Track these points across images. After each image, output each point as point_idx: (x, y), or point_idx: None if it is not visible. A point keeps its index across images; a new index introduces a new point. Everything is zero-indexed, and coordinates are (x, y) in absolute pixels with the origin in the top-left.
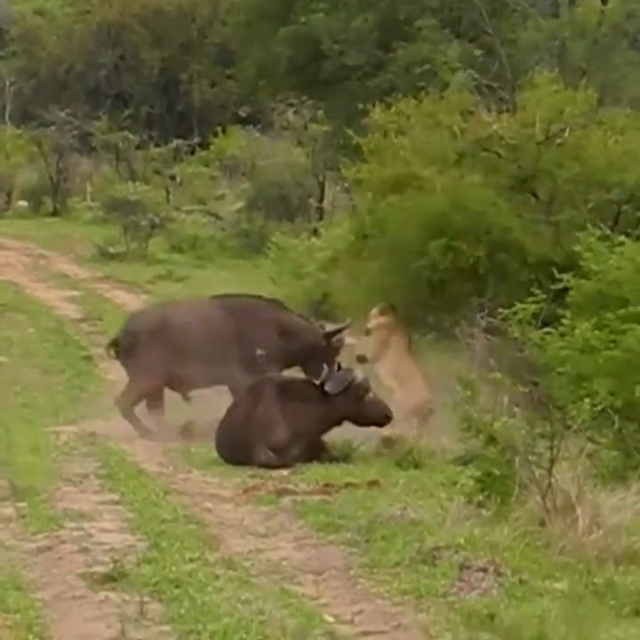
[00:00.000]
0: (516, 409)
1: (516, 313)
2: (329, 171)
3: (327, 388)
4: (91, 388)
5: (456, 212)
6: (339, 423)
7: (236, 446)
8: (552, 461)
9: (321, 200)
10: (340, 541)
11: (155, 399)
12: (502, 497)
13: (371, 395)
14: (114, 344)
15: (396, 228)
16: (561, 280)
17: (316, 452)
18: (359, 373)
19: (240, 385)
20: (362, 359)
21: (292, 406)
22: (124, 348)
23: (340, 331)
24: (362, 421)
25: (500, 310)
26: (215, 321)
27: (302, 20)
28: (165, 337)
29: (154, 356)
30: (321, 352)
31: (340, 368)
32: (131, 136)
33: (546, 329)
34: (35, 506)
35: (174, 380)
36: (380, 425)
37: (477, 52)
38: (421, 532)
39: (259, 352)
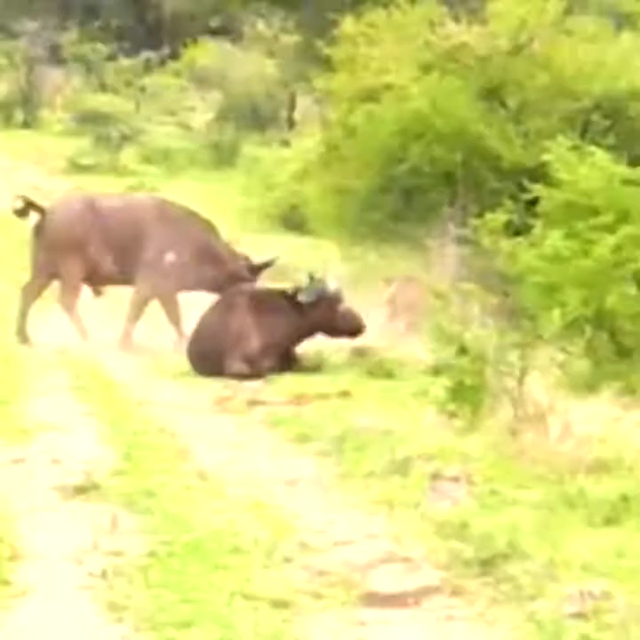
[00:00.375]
0: (487, 319)
1: (487, 223)
2: (300, 82)
3: (300, 297)
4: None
5: (434, 115)
6: (311, 334)
7: (209, 356)
8: (523, 371)
9: (291, 111)
10: (312, 452)
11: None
12: (474, 407)
13: (343, 305)
14: (36, 230)
15: (370, 136)
16: (531, 190)
17: (288, 362)
18: (332, 283)
19: (146, 288)
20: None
21: (265, 317)
22: (49, 237)
23: (266, 265)
24: (334, 332)
25: (472, 220)
26: (139, 218)
27: None
28: (90, 224)
29: (79, 244)
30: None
31: (311, 279)
32: (101, 48)
33: (517, 239)
34: (6, 418)
35: (93, 272)
36: (353, 336)
37: None
38: (393, 443)
39: (168, 257)
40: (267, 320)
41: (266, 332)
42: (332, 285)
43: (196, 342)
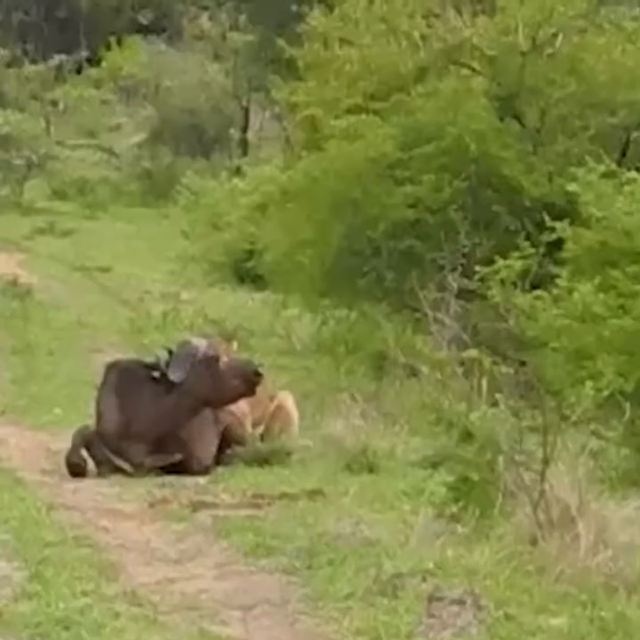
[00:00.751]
0: (498, 396)
1: (497, 271)
2: (254, 92)
3: (171, 377)
4: None
5: (435, 131)
6: (198, 411)
7: None
8: (545, 462)
9: (245, 130)
10: (274, 568)
11: None
12: (482, 508)
13: (224, 360)
14: None
15: (347, 160)
16: (554, 229)
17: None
18: (199, 341)
19: None
20: None
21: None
22: None
23: None
24: (228, 396)
25: (477, 268)
26: None
27: None
28: None
29: None
30: None
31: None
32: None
33: (536, 292)
34: None
35: None
36: (248, 390)
37: None
38: (379, 555)
39: None
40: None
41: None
42: (200, 343)
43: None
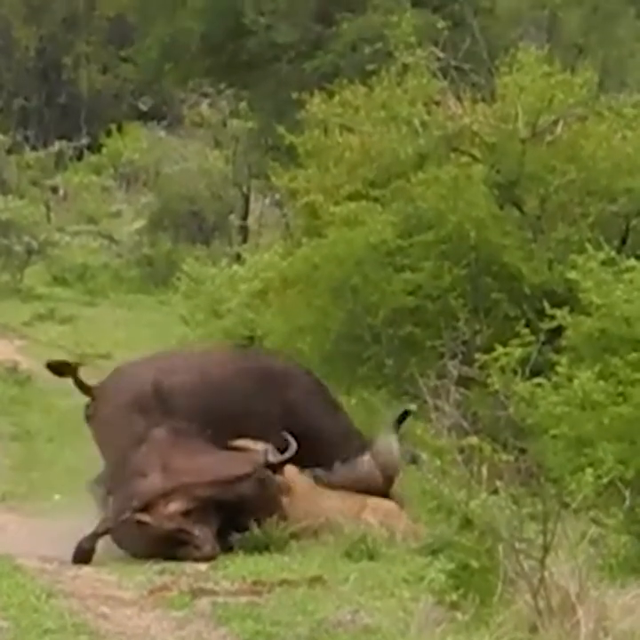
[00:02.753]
0: (498, 483)
1: (497, 359)
2: (255, 179)
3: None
4: None
5: (441, 222)
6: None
7: None
8: (545, 549)
9: (245, 217)
10: None
11: None
12: (482, 596)
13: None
14: None
15: (347, 250)
16: (554, 317)
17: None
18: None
19: None
20: None
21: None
22: None
23: None
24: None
25: (477, 356)
26: None
27: None
28: None
29: None
30: None
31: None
32: (0, 136)
33: (536, 380)
34: None
35: None
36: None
37: (443, 25)
38: None
39: None
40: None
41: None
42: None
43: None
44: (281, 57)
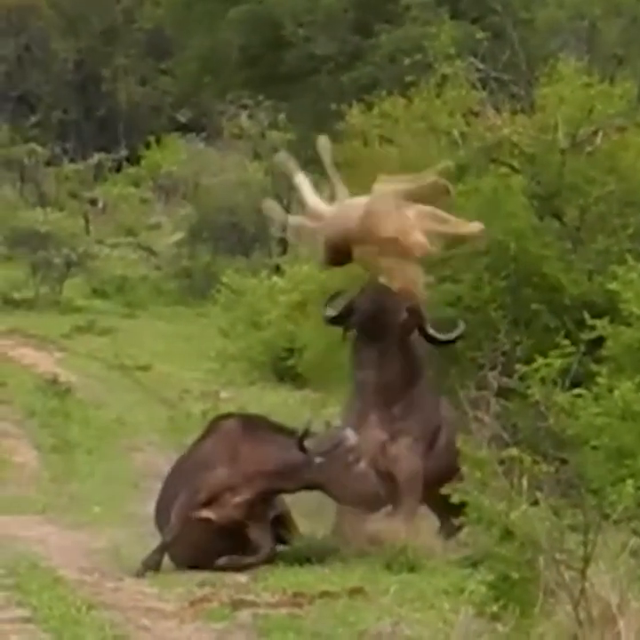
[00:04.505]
0: (538, 494)
1: (537, 370)
2: (294, 191)
3: (308, 443)
4: None
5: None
6: (309, 487)
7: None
8: (586, 561)
9: (284, 229)
10: None
11: None
12: (523, 607)
13: (361, 465)
14: None
15: None
16: (594, 327)
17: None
18: (352, 435)
19: None
20: None
21: (252, 445)
22: None
23: None
24: (342, 495)
25: (517, 367)
26: None
27: None
28: None
29: None
30: None
31: (328, 426)
32: (39, 149)
33: (576, 390)
34: None
35: None
36: (367, 506)
37: (482, 36)
38: None
39: None
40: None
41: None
42: (352, 437)
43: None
44: (320, 68)
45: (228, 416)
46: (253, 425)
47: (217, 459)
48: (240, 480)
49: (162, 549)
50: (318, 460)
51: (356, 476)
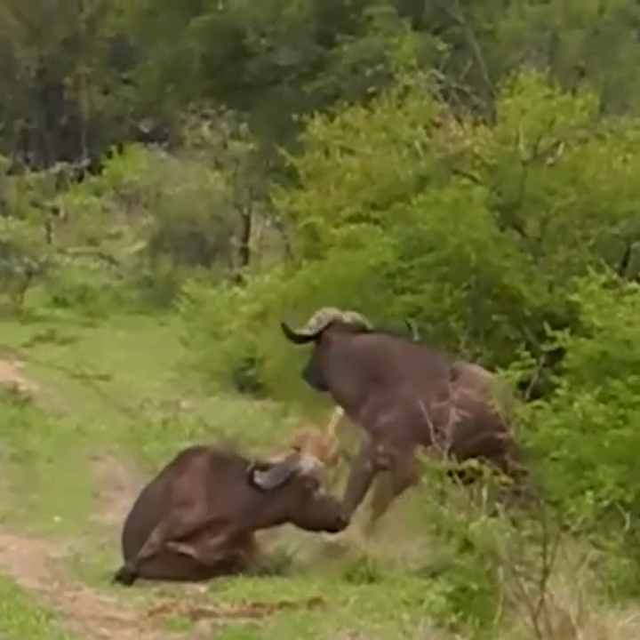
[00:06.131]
0: (497, 505)
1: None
2: (255, 201)
3: (258, 480)
4: None
5: (442, 244)
6: (277, 522)
7: (145, 536)
8: (545, 572)
9: (245, 239)
10: None
11: None
12: (482, 618)
13: (321, 491)
14: None
15: (348, 270)
16: (555, 339)
17: (240, 551)
18: (307, 463)
19: None
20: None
21: (220, 484)
22: None
23: None
24: (307, 524)
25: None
26: None
27: (220, 7)
28: None
29: None
30: None
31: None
32: (1, 157)
33: (536, 402)
34: None
35: None
36: (331, 530)
37: (444, 47)
38: None
39: None
40: (219, 489)
41: (215, 503)
42: (307, 465)
43: (131, 523)
44: (282, 79)
45: (198, 451)
46: (223, 462)
47: (194, 497)
48: (217, 521)
49: (137, 565)
50: (265, 487)
51: (316, 503)
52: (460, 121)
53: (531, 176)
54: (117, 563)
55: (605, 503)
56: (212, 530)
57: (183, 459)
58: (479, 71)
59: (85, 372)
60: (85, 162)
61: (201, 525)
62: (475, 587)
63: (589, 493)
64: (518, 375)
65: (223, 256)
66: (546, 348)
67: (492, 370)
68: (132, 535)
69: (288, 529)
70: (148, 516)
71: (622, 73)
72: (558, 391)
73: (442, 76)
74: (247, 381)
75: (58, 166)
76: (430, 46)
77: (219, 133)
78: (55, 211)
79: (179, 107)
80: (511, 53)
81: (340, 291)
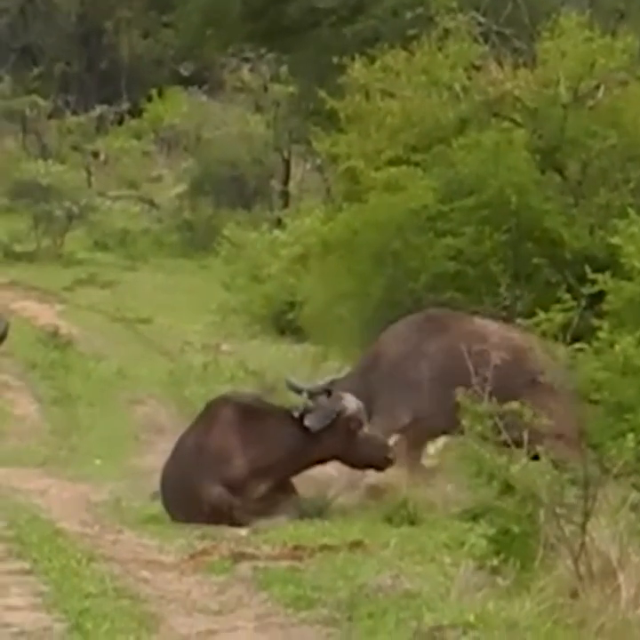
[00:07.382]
0: (539, 448)
1: (538, 324)
2: (295, 144)
3: (307, 422)
4: None
5: (479, 182)
6: (321, 462)
7: (182, 487)
8: (586, 515)
9: (286, 182)
10: (314, 619)
11: None
12: (523, 561)
13: (365, 430)
14: None
15: (389, 214)
16: (596, 282)
17: (282, 496)
18: (351, 402)
19: None
20: None
21: (257, 434)
22: None
23: None
24: (351, 462)
25: (519, 321)
26: None
27: None
28: None
29: None
30: None
31: (329, 394)
32: (41, 101)
33: (577, 345)
34: None
35: None
36: (376, 469)
37: None
38: (419, 607)
39: None
40: (259, 437)
41: (255, 453)
42: (351, 405)
43: (169, 472)
44: (322, 22)
45: (223, 402)
46: (251, 411)
47: (231, 451)
48: (260, 470)
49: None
50: (314, 429)
51: (363, 441)
52: (500, 64)
53: (571, 119)
54: (157, 507)
55: None
56: (257, 479)
57: (208, 411)
58: (519, 14)
59: (126, 315)
60: (125, 105)
61: (244, 478)
62: (516, 529)
63: (630, 436)
64: (559, 318)
65: (263, 199)
66: (586, 290)
67: (533, 313)
68: (170, 484)
69: (328, 473)
70: (183, 467)
71: None
72: (599, 334)
73: (482, 19)
74: (287, 325)
75: (98, 110)
76: None
77: (259, 77)
78: (95, 154)
79: (218, 50)
80: None
81: (380, 234)
